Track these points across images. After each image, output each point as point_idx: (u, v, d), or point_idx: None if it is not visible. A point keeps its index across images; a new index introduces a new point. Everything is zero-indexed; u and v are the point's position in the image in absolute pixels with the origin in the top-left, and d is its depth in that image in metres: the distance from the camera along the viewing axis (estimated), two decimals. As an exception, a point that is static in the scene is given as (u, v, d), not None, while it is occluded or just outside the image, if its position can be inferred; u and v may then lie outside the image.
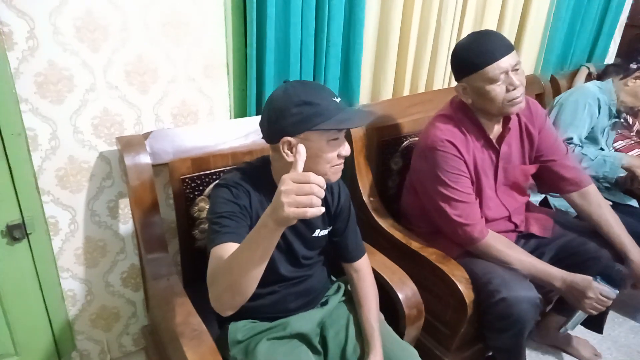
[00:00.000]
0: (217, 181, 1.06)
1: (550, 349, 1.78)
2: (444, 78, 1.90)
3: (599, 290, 1.24)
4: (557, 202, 1.88)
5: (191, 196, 1.32)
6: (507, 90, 1.27)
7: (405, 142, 1.75)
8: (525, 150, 1.49)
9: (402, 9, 1.63)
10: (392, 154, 1.74)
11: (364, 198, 1.61)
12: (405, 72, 1.75)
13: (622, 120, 2.41)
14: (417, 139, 1.75)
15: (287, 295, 1.16)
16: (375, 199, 1.63)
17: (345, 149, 1.00)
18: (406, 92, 1.83)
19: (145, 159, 1.24)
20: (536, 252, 1.51)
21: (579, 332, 1.72)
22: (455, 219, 1.35)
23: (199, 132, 1.34)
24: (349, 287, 1.27)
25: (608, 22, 2.40)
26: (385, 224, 1.56)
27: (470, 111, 1.39)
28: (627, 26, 5.77)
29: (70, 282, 1.41)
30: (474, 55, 1.26)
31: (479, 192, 1.42)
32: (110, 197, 1.38)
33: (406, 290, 1.28)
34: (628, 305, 2.00)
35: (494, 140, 1.42)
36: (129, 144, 1.24)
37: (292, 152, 0.97)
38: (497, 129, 1.43)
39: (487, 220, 1.44)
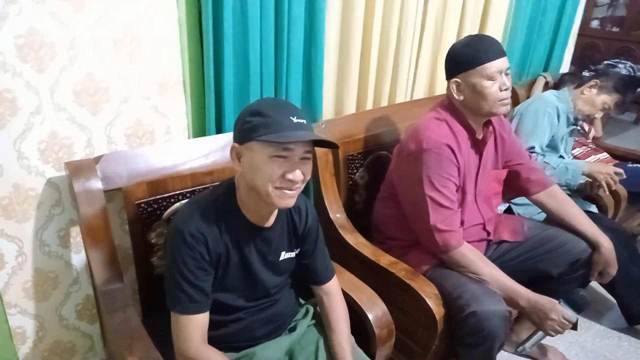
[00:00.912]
0: (174, 219, 1.01)
1: (520, 357, 1.78)
2: (405, 91, 1.90)
3: (562, 313, 1.25)
4: (521, 210, 1.90)
5: (148, 221, 1.25)
6: (500, 90, 1.31)
7: (370, 156, 1.73)
8: (498, 155, 1.52)
9: (363, 23, 1.62)
10: (358, 168, 1.72)
11: (330, 215, 1.57)
12: (368, 86, 1.74)
13: (578, 127, 2.49)
14: (382, 152, 1.75)
15: (253, 323, 1.11)
16: (342, 215, 1.60)
17: (295, 175, 0.94)
18: (369, 106, 1.82)
19: (96, 184, 1.17)
20: (508, 253, 1.53)
21: (548, 339, 1.72)
22: (435, 224, 1.34)
23: (155, 154, 1.28)
24: (318, 309, 1.23)
25: (562, 33, 2.48)
26: (353, 240, 1.53)
27: (460, 113, 1.39)
28: (579, 35, 6.03)
29: (19, 318, 1.31)
30: (476, 52, 1.32)
31: (462, 198, 1.43)
32: (60, 226, 1.29)
33: (376, 310, 1.25)
34: (594, 310, 2.03)
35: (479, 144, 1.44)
36: (79, 169, 1.17)
37: (239, 161, 0.97)
38: (481, 132, 1.45)
39: (465, 226, 1.45)
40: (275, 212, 1.07)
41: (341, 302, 1.18)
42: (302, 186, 0.99)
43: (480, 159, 1.44)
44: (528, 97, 2.30)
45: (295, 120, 0.94)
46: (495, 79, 1.30)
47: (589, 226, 1.50)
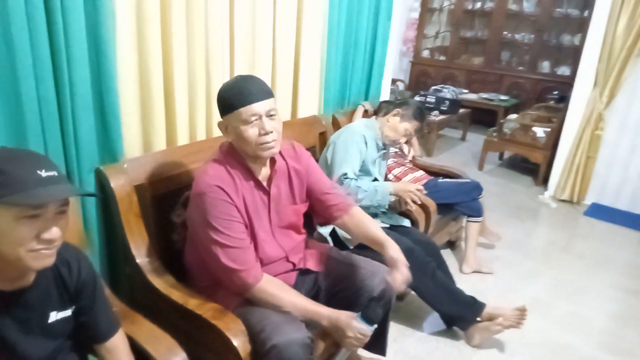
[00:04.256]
0: None
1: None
2: (222, 124, 1.90)
3: (357, 329, 1.32)
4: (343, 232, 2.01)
5: None
6: (259, 134, 1.32)
7: (186, 193, 1.68)
8: (294, 190, 1.54)
9: (162, 59, 1.60)
10: (173, 206, 1.66)
11: (138, 260, 1.49)
12: (177, 121, 1.71)
13: (398, 150, 2.75)
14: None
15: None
16: (152, 258, 1.52)
17: (51, 233, 0.86)
18: (185, 141, 1.78)
19: None
20: (315, 287, 1.58)
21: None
22: (228, 265, 1.33)
23: None
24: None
25: (376, 65, 2.73)
26: (162, 285, 1.46)
27: (238, 154, 1.41)
28: (412, 64, 6.74)
29: None
30: (232, 96, 1.33)
31: (252, 235, 1.43)
32: None
33: None
34: (415, 317, 2.21)
35: (264, 183, 1.45)
36: None
37: None
38: (264, 171, 1.46)
39: (265, 263, 1.45)
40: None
41: (127, 358, 1.10)
42: (61, 242, 0.91)
43: (269, 198, 1.46)
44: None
45: (44, 174, 0.86)
46: (252, 123, 1.31)
47: (377, 234, 1.56)
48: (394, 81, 4.78)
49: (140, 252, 1.50)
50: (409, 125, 2.15)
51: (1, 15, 1.18)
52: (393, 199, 2.07)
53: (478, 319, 2.01)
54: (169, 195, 1.64)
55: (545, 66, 5.68)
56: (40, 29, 1.26)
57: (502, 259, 2.86)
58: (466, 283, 2.19)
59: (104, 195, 1.48)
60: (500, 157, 4.88)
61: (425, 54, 6.44)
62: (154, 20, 1.55)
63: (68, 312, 1.05)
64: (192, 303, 1.39)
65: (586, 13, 5.05)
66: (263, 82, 1.39)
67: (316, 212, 1.64)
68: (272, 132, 1.33)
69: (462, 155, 4.95)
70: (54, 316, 1.02)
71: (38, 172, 0.86)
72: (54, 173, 0.88)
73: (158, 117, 1.64)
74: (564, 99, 4.48)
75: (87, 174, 1.46)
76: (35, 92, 1.29)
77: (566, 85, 4.79)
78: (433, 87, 5.27)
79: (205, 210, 1.32)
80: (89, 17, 1.36)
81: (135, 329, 1.24)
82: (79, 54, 1.35)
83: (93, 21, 1.38)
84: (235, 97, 1.31)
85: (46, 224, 0.86)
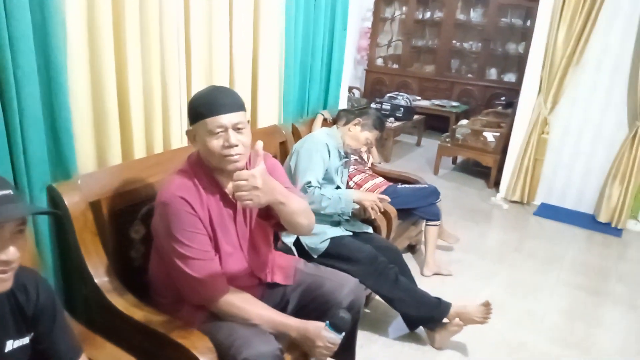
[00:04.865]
0: None
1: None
2: (181, 136, 1.86)
3: (326, 338, 1.32)
4: (307, 240, 2.01)
5: None
6: (224, 146, 1.29)
7: (145, 207, 1.63)
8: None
9: (116, 69, 1.54)
10: (131, 222, 1.60)
11: (96, 280, 1.42)
12: (132, 134, 1.66)
13: (358, 158, 2.79)
14: (158, 201, 1.67)
15: None
16: (111, 277, 1.46)
17: (7, 253, 0.82)
18: (141, 155, 1.73)
19: None
20: (283, 300, 1.56)
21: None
22: (193, 276, 1.30)
23: None
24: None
25: (334, 75, 2.76)
26: (123, 304, 1.40)
27: (205, 166, 1.37)
28: (367, 72, 6.88)
29: None
30: (201, 105, 1.30)
31: (217, 249, 1.40)
32: None
33: (138, 382, 1.15)
34: (381, 322, 2.25)
35: (231, 196, 1.43)
36: None
37: None
38: (232, 184, 1.43)
39: (231, 277, 1.42)
40: None
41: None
42: (18, 264, 0.87)
43: (234, 211, 1.43)
44: (309, 133, 2.48)
45: None
46: (217, 134, 1.28)
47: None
48: (350, 89, 4.86)
49: (98, 272, 1.44)
50: (370, 135, 2.19)
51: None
52: (356, 206, 2.10)
53: (445, 319, 2.06)
54: (126, 211, 1.59)
55: (492, 73, 5.94)
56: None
57: (460, 261, 2.94)
58: (427, 285, 2.24)
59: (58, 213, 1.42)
60: (454, 161, 5.04)
61: (379, 62, 6.58)
62: (106, 31, 1.50)
63: (25, 340, 0.99)
64: (156, 322, 1.34)
65: (529, 23, 5.33)
66: (236, 94, 1.35)
67: (271, 214, 1.51)
68: (237, 145, 1.29)
69: (418, 160, 5.08)
70: (10, 345, 0.96)
71: None
72: (9, 192, 0.85)
73: (113, 130, 1.59)
74: (511, 104, 4.70)
75: (38, 192, 1.38)
76: (-20, 107, 1.22)
77: (512, 91, 5.03)
78: (388, 95, 5.39)
79: (168, 221, 1.29)
80: (37, 27, 1.30)
81: (97, 353, 1.19)
82: (27, 67, 1.28)
83: (42, 32, 1.31)
84: (204, 106, 1.29)
85: (2, 244, 0.82)
